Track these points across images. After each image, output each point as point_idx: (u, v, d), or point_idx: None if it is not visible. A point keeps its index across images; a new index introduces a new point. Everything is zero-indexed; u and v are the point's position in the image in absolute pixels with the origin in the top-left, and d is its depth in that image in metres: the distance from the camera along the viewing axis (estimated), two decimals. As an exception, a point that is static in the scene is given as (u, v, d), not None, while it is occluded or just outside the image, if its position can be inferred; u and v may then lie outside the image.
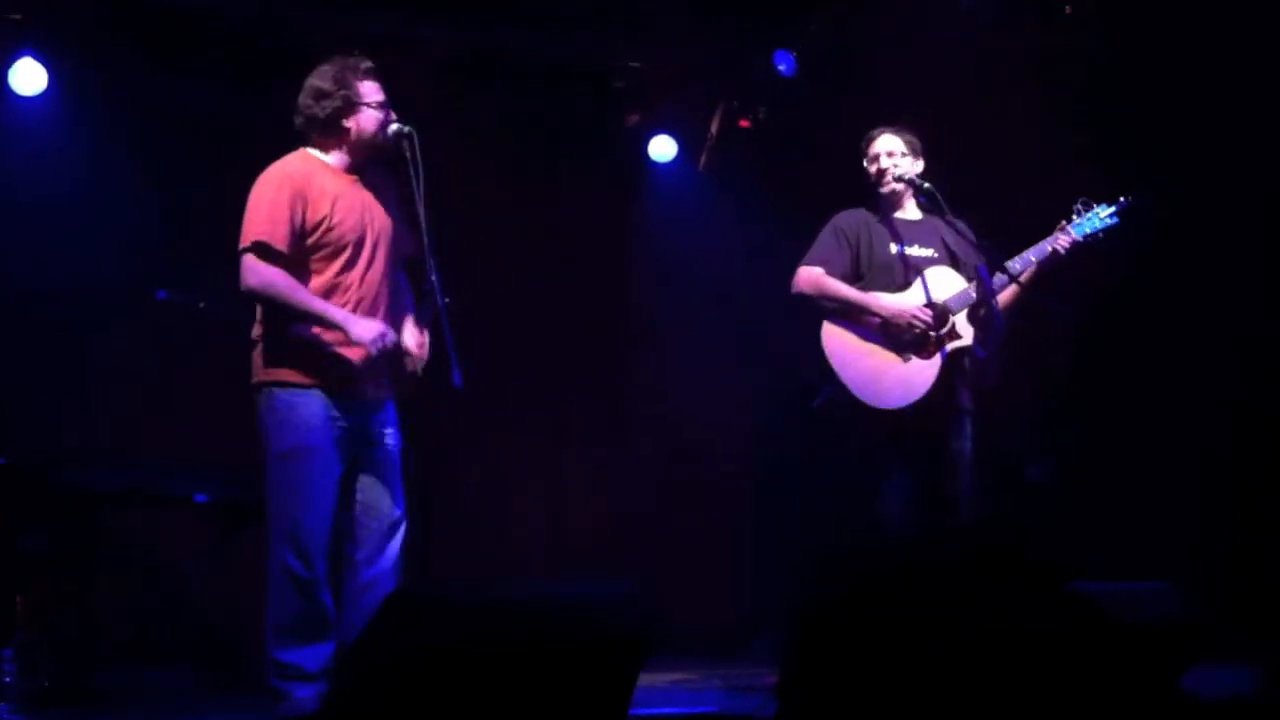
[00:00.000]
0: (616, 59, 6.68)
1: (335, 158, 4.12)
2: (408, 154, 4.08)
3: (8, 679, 4.15)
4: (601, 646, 2.55)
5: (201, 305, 5.04)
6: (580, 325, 6.93)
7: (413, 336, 4.15)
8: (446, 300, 4.03)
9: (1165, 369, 6.06)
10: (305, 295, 3.93)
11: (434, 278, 3.99)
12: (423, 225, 4.02)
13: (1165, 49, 5.88)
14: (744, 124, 6.81)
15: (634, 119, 6.95)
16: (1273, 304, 5.90)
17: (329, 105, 4.05)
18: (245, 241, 3.94)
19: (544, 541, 6.92)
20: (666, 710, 3.93)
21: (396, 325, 4.12)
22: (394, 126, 4.12)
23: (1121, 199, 4.63)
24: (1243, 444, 6.04)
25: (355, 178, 4.12)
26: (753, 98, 6.73)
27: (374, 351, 3.92)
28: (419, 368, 4.14)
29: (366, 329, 3.93)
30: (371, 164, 4.20)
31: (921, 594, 1.36)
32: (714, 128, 6.83)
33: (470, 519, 6.67)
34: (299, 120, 4.11)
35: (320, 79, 4.08)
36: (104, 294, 5.89)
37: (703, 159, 6.92)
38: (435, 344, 4.04)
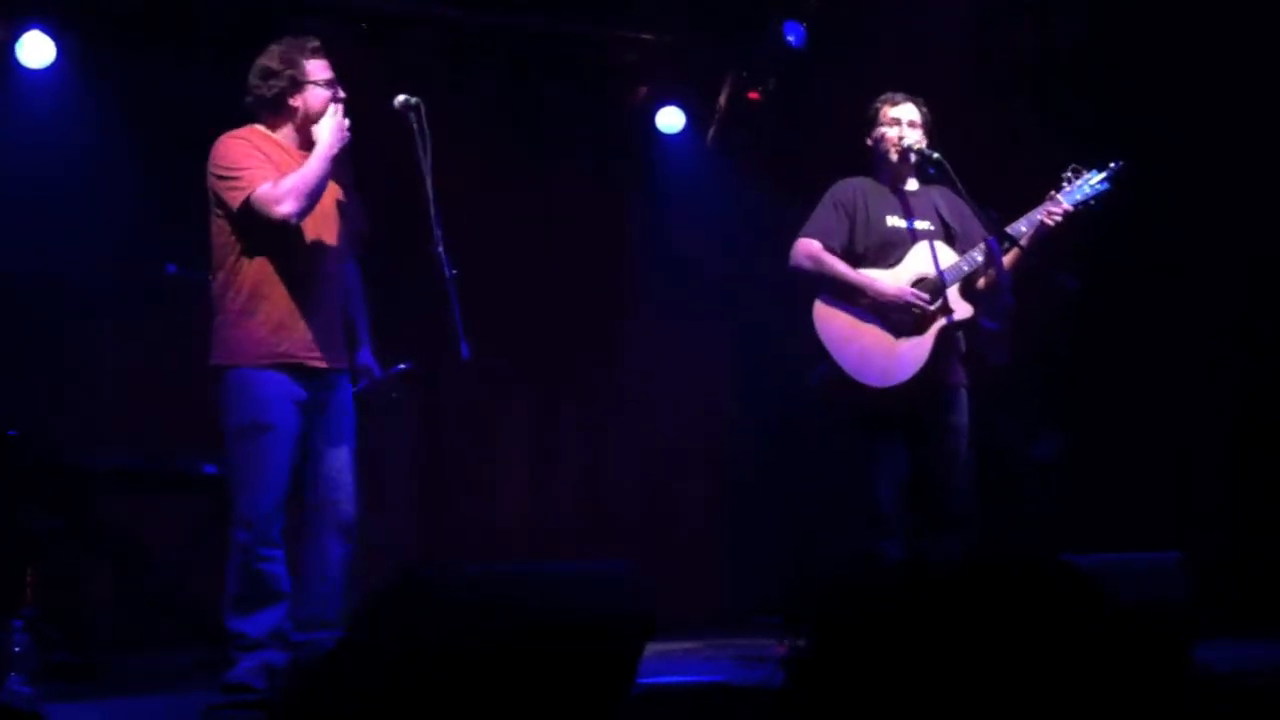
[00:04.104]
0: (625, 30, 6.64)
1: (284, 135, 4.14)
2: (415, 125, 4.08)
3: (17, 649, 4.16)
4: (609, 621, 2.55)
5: (211, 279, 5.02)
6: (582, 302, 6.90)
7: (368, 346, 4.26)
8: (454, 272, 4.03)
9: (1169, 344, 6.04)
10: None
11: (439, 250, 3.98)
12: (429, 197, 4.00)
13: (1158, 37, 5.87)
14: (753, 96, 6.76)
15: (642, 91, 6.92)
16: (1274, 278, 5.88)
17: (276, 85, 4.09)
18: (240, 198, 3.95)
19: (529, 523, 6.85)
20: (678, 679, 3.93)
21: (342, 304, 4.16)
22: (401, 98, 4.12)
23: (1112, 164, 4.58)
24: (1247, 421, 6.02)
25: (305, 154, 4.10)
26: (762, 69, 6.68)
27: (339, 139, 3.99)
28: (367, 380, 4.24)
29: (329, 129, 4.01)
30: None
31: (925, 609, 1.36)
32: (723, 100, 6.80)
33: (455, 501, 6.65)
34: (248, 100, 4.14)
35: (268, 59, 4.11)
36: (106, 269, 5.88)
37: (712, 131, 6.89)
38: (442, 315, 4.03)
